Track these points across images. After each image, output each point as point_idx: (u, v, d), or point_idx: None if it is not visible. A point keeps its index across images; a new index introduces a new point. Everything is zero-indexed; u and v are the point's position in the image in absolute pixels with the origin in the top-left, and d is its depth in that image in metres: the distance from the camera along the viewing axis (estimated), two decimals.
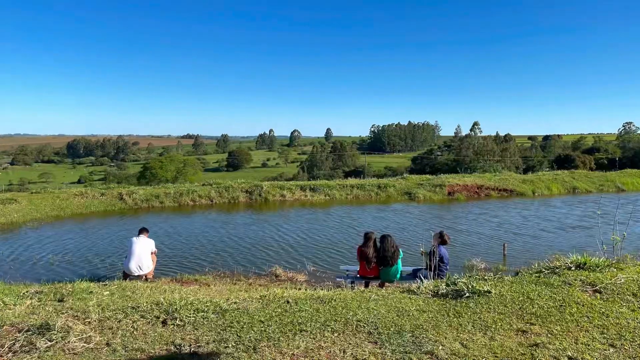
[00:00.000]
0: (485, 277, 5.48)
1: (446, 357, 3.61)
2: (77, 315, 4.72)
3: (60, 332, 4.13)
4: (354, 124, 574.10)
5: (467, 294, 4.85)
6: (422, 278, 6.13)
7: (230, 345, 3.90)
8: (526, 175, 26.59)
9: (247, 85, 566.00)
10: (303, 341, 3.96)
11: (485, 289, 4.88)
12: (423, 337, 3.97)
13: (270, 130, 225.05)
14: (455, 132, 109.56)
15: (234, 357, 3.71)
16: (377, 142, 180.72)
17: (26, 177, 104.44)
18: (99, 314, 4.71)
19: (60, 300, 5.56)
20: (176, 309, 4.74)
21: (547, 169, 52.13)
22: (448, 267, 7.58)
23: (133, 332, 4.26)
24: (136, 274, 8.16)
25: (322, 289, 6.52)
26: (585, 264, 5.52)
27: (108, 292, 6.08)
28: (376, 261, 7.63)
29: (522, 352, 3.66)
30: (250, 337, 4.06)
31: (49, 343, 3.97)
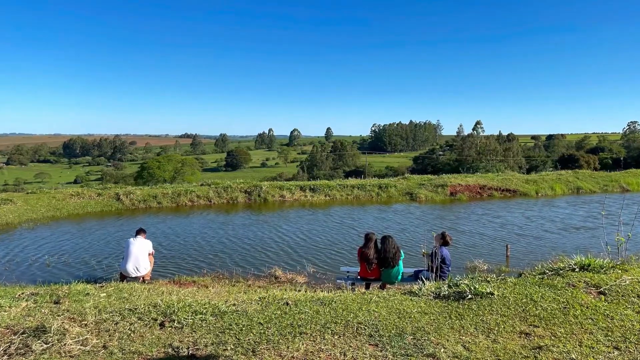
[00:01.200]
0: (488, 279, 5.42)
1: None
2: (73, 318, 4.66)
3: (57, 335, 4.08)
4: (355, 123, 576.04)
5: (470, 296, 4.79)
6: (424, 279, 6.07)
7: (229, 348, 3.85)
8: (529, 175, 26.52)
9: (247, 84, 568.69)
10: (303, 344, 3.90)
11: (488, 291, 4.83)
12: (425, 339, 3.91)
13: (270, 130, 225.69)
14: (457, 132, 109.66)
15: None
16: (378, 141, 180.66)
17: (22, 177, 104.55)
18: (95, 316, 4.66)
19: (57, 302, 5.50)
20: (174, 311, 4.69)
21: (551, 169, 52.19)
22: (450, 268, 7.52)
23: (130, 334, 4.21)
24: (133, 276, 8.11)
25: (322, 291, 6.47)
26: (589, 265, 5.46)
27: (105, 294, 6.02)
28: (377, 262, 7.57)
29: (526, 354, 3.60)
30: (249, 339, 4.00)
31: (45, 346, 3.92)
